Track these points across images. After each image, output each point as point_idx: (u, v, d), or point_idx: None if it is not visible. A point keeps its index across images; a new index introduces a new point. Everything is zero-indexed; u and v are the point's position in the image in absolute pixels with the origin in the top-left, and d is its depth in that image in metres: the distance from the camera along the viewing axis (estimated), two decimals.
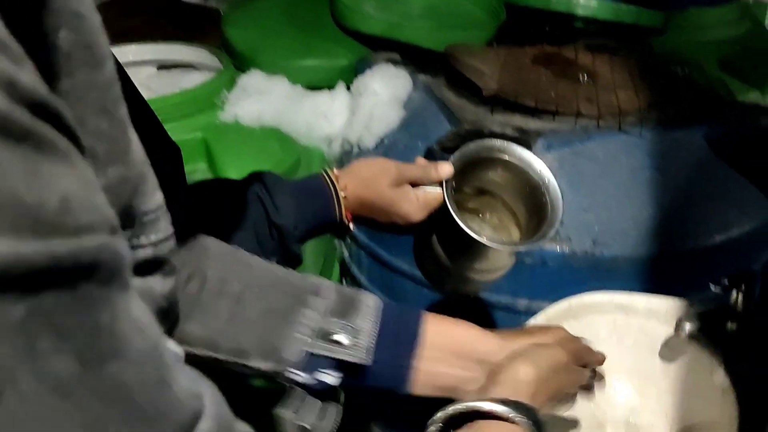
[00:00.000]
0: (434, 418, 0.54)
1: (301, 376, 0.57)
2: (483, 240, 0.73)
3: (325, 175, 0.78)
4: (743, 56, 1.71)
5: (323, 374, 0.58)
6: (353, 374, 0.58)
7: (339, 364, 0.58)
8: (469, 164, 0.81)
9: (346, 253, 1.48)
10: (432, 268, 0.85)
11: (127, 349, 0.24)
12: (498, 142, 0.80)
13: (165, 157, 0.68)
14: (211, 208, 0.71)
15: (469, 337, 0.62)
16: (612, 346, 0.86)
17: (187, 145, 1.31)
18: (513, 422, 0.52)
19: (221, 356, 0.57)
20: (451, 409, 0.54)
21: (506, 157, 0.81)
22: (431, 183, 0.78)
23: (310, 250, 1.44)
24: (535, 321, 0.88)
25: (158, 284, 0.33)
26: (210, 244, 0.62)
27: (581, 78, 1.29)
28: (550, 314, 0.88)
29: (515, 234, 0.85)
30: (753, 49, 1.72)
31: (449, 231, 0.74)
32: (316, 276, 0.62)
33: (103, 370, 0.23)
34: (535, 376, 0.57)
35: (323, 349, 0.57)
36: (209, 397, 0.29)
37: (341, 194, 0.77)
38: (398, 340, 0.59)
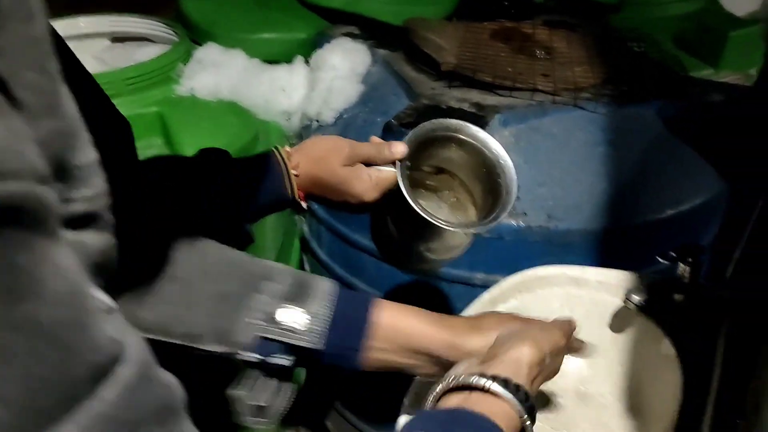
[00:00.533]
0: (434, 391, 0.55)
1: (255, 358, 0.58)
2: (436, 221, 0.73)
3: (276, 152, 0.77)
4: (697, 33, 1.74)
5: (276, 358, 0.59)
6: (306, 357, 0.59)
7: (291, 348, 0.58)
8: (426, 142, 0.80)
9: (306, 229, 1.48)
10: (388, 247, 0.86)
11: (44, 290, 0.25)
12: (453, 121, 0.80)
13: (113, 130, 0.67)
14: (159, 187, 0.70)
15: (420, 332, 0.62)
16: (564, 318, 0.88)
17: (141, 120, 1.29)
18: (508, 403, 0.53)
19: (174, 340, 0.57)
20: (452, 382, 0.54)
21: (462, 137, 0.80)
22: (385, 162, 0.78)
23: (269, 226, 1.44)
24: (489, 294, 0.89)
25: (92, 239, 0.33)
26: (162, 226, 0.62)
27: (538, 53, 1.30)
28: (504, 287, 0.89)
29: (472, 213, 0.85)
30: (707, 25, 1.75)
31: (404, 212, 0.74)
32: (270, 261, 0.63)
33: (17, 306, 0.24)
34: (538, 360, 0.58)
35: (276, 334, 0.57)
36: (134, 346, 0.30)
37: (293, 172, 0.76)
38: (349, 326, 0.60)
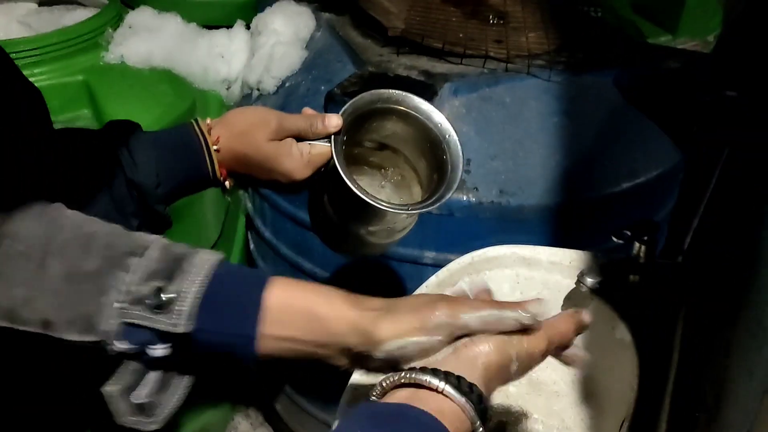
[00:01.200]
0: (381, 385, 0.49)
1: (128, 348, 0.49)
2: (374, 202, 0.66)
3: (194, 125, 0.70)
4: None
5: (153, 347, 0.50)
6: (183, 343, 0.50)
7: (163, 334, 0.49)
8: (365, 115, 0.74)
9: (249, 205, 1.41)
10: (326, 229, 0.79)
11: None
12: (394, 92, 0.73)
13: (18, 101, 0.59)
14: (61, 165, 0.62)
15: (322, 315, 0.51)
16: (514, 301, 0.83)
17: (66, 90, 1.20)
18: (459, 405, 0.47)
19: (25, 328, 0.49)
20: (398, 377, 0.48)
21: (404, 109, 0.74)
22: (318, 136, 0.71)
23: (210, 201, 1.36)
24: (437, 277, 0.84)
25: None
26: (20, 198, 0.52)
27: (491, 18, 1.23)
28: (452, 269, 0.84)
29: (417, 192, 0.79)
30: None
31: (340, 191, 0.67)
32: (146, 234, 0.52)
33: None
34: (498, 364, 0.50)
35: (140, 318, 0.48)
36: None
37: (213, 147, 0.69)
38: (233, 308, 0.51)
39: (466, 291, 0.59)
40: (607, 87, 1.13)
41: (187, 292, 0.48)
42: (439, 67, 1.12)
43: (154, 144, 0.67)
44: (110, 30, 1.28)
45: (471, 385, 0.48)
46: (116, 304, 0.48)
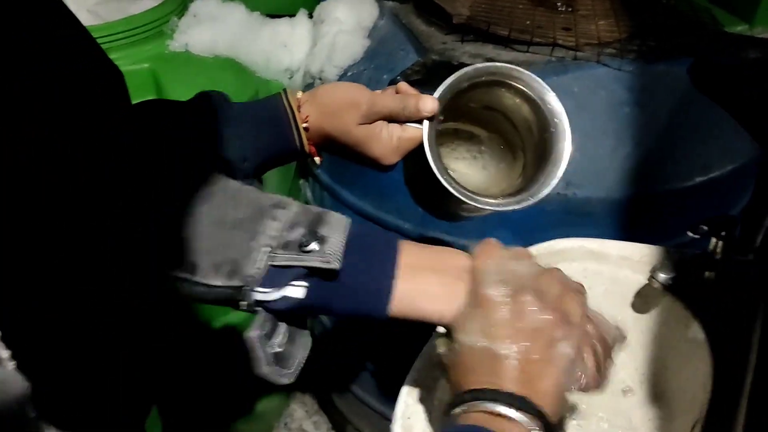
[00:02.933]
0: (452, 412, 0.50)
1: (265, 293, 0.50)
2: (465, 198, 0.64)
3: (283, 98, 0.67)
4: None
5: (289, 287, 0.51)
6: (324, 290, 0.51)
7: (306, 276, 0.51)
8: (466, 89, 0.68)
9: (309, 195, 1.41)
10: (418, 195, 0.76)
11: None
12: (504, 66, 0.67)
13: (102, 81, 0.60)
14: (145, 138, 0.61)
15: (444, 253, 0.56)
16: None
17: (133, 77, 1.21)
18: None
19: (175, 273, 0.50)
20: (467, 406, 0.49)
21: (513, 84, 0.68)
22: (410, 119, 0.66)
23: (271, 190, 1.37)
24: None
25: None
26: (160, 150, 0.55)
27: (559, 6, 1.20)
28: None
29: (518, 166, 0.74)
30: None
31: (430, 176, 0.64)
32: (277, 194, 0.55)
33: None
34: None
35: (287, 260, 0.50)
36: None
37: (302, 125, 0.67)
38: (374, 252, 0.53)
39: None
40: (680, 77, 1.08)
41: (334, 237, 0.50)
42: (505, 55, 1.09)
43: (242, 118, 0.66)
44: (175, 18, 1.30)
45: (537, 411, 0.48)
46: (264, 248, 0.50)
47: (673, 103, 1.06)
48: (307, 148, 0.68)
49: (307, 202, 1.43)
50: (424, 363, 0.70)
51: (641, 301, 0.78)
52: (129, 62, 1.21)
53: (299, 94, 0.69)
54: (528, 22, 1.13)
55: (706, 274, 0.74)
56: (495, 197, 0.69)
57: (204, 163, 0.56)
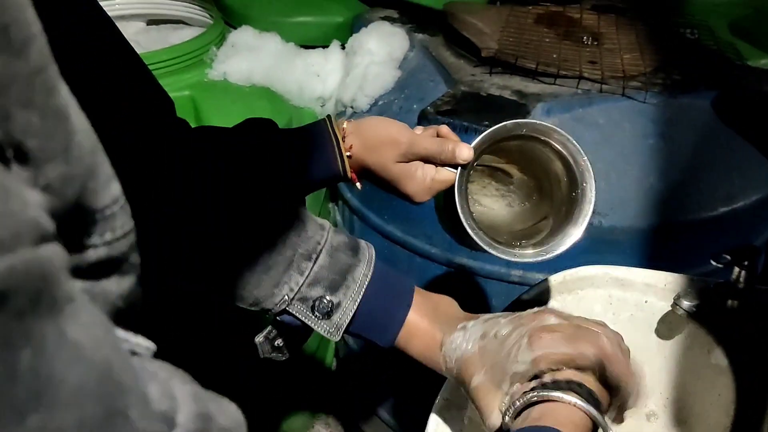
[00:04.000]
0: (514, 406, 0.53)
1: (283, 318, 0.60)
2: (487, 247, 0.66)
3: (328, 124, 0.70)
4: (755, 20, 1.64)
5: (296, 325, 0.60)
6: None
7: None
8: (501, 140, 0.71)
9: (339, 218, 1.45)
10: (446, 227, 0.79)
11: (59, 391, 0.20)
12: (541, 124, 0.69)
13: (155, 109, 0.64)
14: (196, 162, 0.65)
15: (454, 312, 0.63)
16: (607, 321, 0.83)
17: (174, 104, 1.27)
18: (588, 416, 0.51)
19: (222, 298, 0.60)
20: (530, 396, 0.52)
21: (549, 141, 0.70)
22: (445, 164, 0.69)
23: None
24: (528, 295, 0.84)
25: (114, 286, 0.29)
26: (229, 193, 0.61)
27: (585, 40, 1.24)
28: (543, 288, 0.84)
29: (544, 209, 0.76)
30: (765, 12, 1.65)
31: (456, 220, 0.67)
32: (315, 225, 0.60)
33: (23, 427, 0.19)
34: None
35: (299, 313, 0.59)
36: (183, 400, 0.26)
37: (345, 154, 0.70)
38: (380, 320, 0.61)
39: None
40: (704, 109, 1.11)
41: (347, 307, 0.59)
42: (532, 87, 1.13)
43: (290, 143, 0.69)
44: (214, 48, 1.35)
45: (589, 391, 0.51)
46: (285, 297, 0.58)
47: (697, 135, 1.09)
48: (350, 174, 0.71)
49: (336, 226, 1.47)
50: (454, 383, 0.73)
51: (665, 328, 0.80)
52: (170, 89, 1.23)
53: (345, 124, 0.72)
54: (554, 56, 1.17)
55: (729, 302, 0.76)
56: (516, 237, 0.72)
57: (258, 193, 0.61)
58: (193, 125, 1.29)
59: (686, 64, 1.20)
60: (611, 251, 1.03)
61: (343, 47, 1.43)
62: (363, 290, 0.59)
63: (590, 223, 0.95)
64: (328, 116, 0.72)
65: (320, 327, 0.59)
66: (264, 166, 0.68)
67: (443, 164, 0.69)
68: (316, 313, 0.58)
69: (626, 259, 1.03)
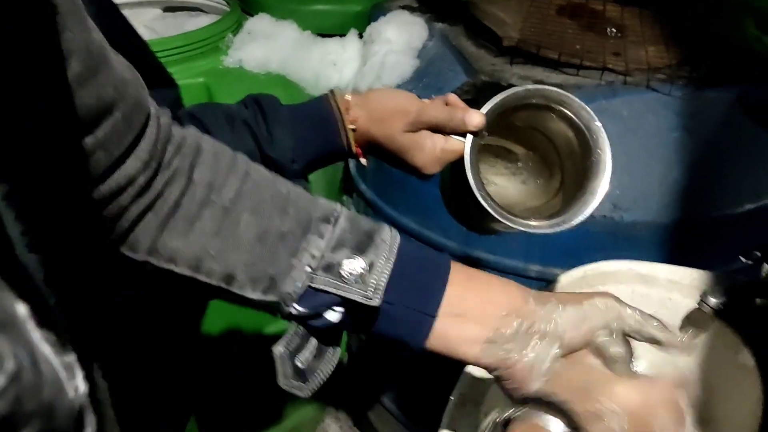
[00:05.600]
0: (495, 420, 0.50)
1: (300, 311, 0.49)
2: (500, 217, 0.64)
3: (332, 99, 0.68)
4: None
5: (325, 313, 0.49)
6: (362, 315, 0.49)
7: (344, 302, 0.49)
8: (514, 109, 0.69)
9: (353, 209, 1.43)
10: (452, 207, 0.77)
11: None
12: (554, 90, 0.67)
13: (161, 92, 0.62)
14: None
15: (500, 290, 0.51)
16: None
17: (188, 90, 1.24)
18: None
19: (205, 279, 0.48)
20: (519, 413, 0.49)
21: (561, 109, 0.68)
22: (455, 132, 0.66)
23: None
24: (547, 290, 0.82)
25: None
26: (203, 143, 0.51)
27: (608, 31, 1.21)
28: (563, 283, 0.82)
29: (555, 184, 0.73)
30: None
31: (467, 192, 0.65)
32: (331, 201, 0.52)
33: None
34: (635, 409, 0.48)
35: (327, 284, 0.48)
36: None
37: (350, 126, 0.67)
38: (419, 284, 0.50)
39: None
40: (730, 104, 1.08)
41: (381, 266, 0.48)
42: (554, 77, 1.10)
43: (292, 119, 0.67)
44: (230, 35, 1.33)
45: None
46: (307, 268, 0.48)
47: (723, 130, 1.06)
48: (354, 149, 0.69)
49: None
50: (470, 376, 0.71)
51: (691, 326, 0.77)
52: (184, 76, 1.25)
53: (348, 96, 0.69)
54: (578, 47, 1.14)
55: (758, 300, 0.74)
56: (531, 214, 0.70)
57: (255, 165, 0.54)
58: None
59: (712, 58, 1.17)
60: (633, 247, 1.00)
61: (360, 36, 1.41)
62: (396, 249, 0.49)
63: (609, 216, 0.92)
64: (332, 90, 0.69)
65: (354, 293, 0.47)
66: (264, 142, 0.65)
67: (453, 133, 0.66)
68: (347, 278, 0.47)
69: (648, 255, 1.00)
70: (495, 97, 0.66)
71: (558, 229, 0.67)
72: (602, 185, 0.67)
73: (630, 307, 0.53)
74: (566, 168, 0.72)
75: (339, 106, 0.67)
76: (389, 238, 0.50)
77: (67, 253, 0.34)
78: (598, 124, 0.68)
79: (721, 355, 0.75)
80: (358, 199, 1.38)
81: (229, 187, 0.49)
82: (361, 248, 0.48)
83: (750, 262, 0.73)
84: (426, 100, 0.70)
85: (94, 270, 0.40)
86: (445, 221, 1.16)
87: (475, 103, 1.05)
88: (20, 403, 0.20)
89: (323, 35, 1.42)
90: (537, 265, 1.08)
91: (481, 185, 0.65)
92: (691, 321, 0.78)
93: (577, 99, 0.68)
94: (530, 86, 0.68)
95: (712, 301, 0.73)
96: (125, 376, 0.61)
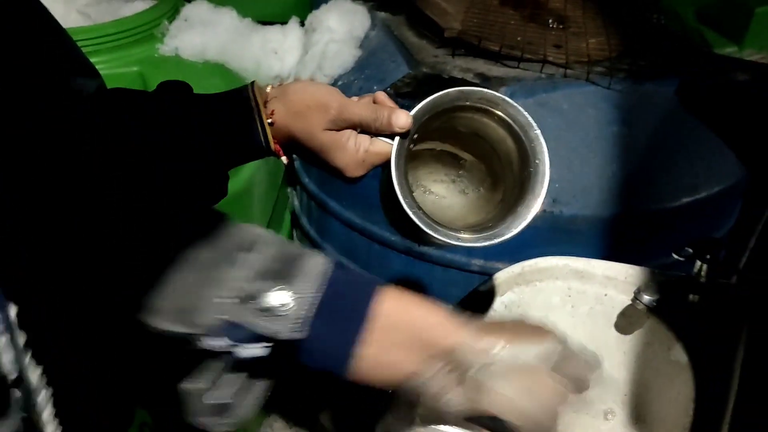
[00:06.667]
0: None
1: (221, 346, 0.45)
2: (429, 231, 0.59)
3: (250, 91, 0.62)
4: (722, 7, 1.62)
5: (248, 347, 0.46)
6: (285, 347, 0.46)
7: (267, 336, 0.46)
8: (445, 111, 0.64)
9: (296, 203, 1.40)
10: (389, 215, 0.73)
11: None
12: (489, 92, 0.63)
13: (83, 89, 0.58)
14: (105, 129, 0.54)
15: (432, 325, 0.48)
16: (565, 315, 0.80)
17: (122, 80, 1.20)
18: None
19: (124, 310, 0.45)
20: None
21: (497, 113, 0.63)
22: (381, 133, 0.62)
23: (258, 197, 1.36)
24: (486, 286, 0.81)
25: None
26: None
27: (551, 23, 1.20)
28: (501, 279, 0.82)
29: (497, 195, 0.69)
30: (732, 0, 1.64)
31: (396, 202, 0.60)
32: (257, 227, 0.48)
33: None
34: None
35: (248, 318, 0.44)
36: None
37: (266, 121, 0.62)
38: (344, 314, 0.47)
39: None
40: (669, 97, 1.09)
41: (303, 295, 0.45)
42: (496, 70, 1.09)
43: (205, 111, 0.61)
44: (166, 22, 1.28)
45: None
46: (222, 300, 0.44)
47: (661, 123, 1.07)
48: (272, 145, 0.63)
49: (294, 211, 1.42)
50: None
51: (625, 322, 0.78)
52: (118, 65, 1.20)
53: (268, 89, 0.63)
54: (519, 38, 1.13)
55: (691, 296, 0.74)
56: (468, 226, 0.67)
57: (188, 186, 0.51)
58: None
59: (652, 51, 1.18)
60: (571, 242, 1.00)
61: (302, 24, 1.37)
62: (322, 278, 0.46)
63: (548, 211, 0.91)
64: (252, 82, 0.64)
65: (279, 325, 0.45)
66: (177, 138, 0.61)
67: (378, 134, 0.62)
68: (266, 312, 0.44)
69: (587, 249, 1.01)
70: (425, 99, 0.62)
71: (488, 243, 0.63)
72: (538, 198, 0.64)
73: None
74: (506, 178, 0.69)
75: (257, 98, 0.62)
76: (316, 266, 0.47)
77: None
78: (537, 131, 0.63)
79: (655, 352, 0.76)
80: (301, 191, 1.35)
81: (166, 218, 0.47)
82: (284, 278, 0.45)
83: (682, 258, 0.73)
84: (354, 98, 0.65)
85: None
86: None
87: (416, 95, 1.04)
88: None
89: (264, 23, 1.38)
90: (480, 260, 1.07)
91: (407, 192, 0.61)
92: (627, 317, 0.79)
93: (513, 103, 0.63)
94: (464, 87, 0.63)
95: (646, 297, 0.74)
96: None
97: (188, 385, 0.46)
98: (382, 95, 0.64)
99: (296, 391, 1.61)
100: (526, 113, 0.63)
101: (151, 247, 0.46)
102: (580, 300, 0.80)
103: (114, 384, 0.67)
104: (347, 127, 0.62)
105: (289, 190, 1.46)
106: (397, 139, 0.60)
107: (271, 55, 1.32)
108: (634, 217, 1.01)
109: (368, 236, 1.17)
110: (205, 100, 0.63)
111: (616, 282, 0.79)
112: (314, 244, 1.30)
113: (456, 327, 0.48)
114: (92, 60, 0.57)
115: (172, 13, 1.31)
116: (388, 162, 0.61)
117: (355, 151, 0.62)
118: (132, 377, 0.66)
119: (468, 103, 0.62)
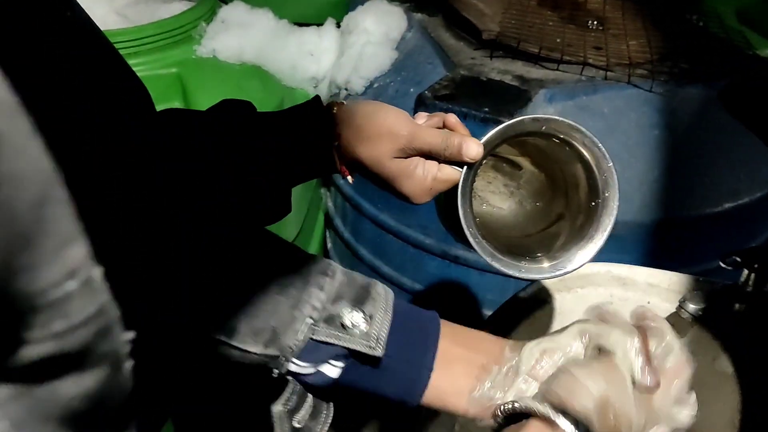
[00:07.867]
0: (498, 411, 0.48)
1: (300, 366, 0.48)
2: (494, 263, 0.58)
3: (317, 112, 0.62)
4: (763, 7, 1.59)
5: (326, 365, 0.49)
6: (361, 370, 0.49)
7: (345, 356, 0.49)
8: (512, 138, 0.62)
9: (330, 205, 1.40)
10: (448, 226, 0.72)
11: None
12: (565, 122, 0.60)
13: (129, 100, 0.58)
14: (167, 151, 0.57)
15: (486, 348, 0.51)
16: None
17: (160, 82, 1.22)
18: None
19: (211, 334, 0.47)
20: (517, 405, 0.47)
21: (572, 142, 0.61)
22: (450, 161, 0.59)
23: (293, 198, 1.36)
24: (525, 292, 0.80)
25: (70, 387, 0.23)
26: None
27: (590, 24, 1.19)
28: (541, 285, 0.81)
29: (557, 207, 0.68)
30: None
31: (458, 224, 0.59)
32: (322, 257, 0.52)
33: None
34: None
35: (329, 335, 0.47)
36: None
37: (334, 143, 0.61)
38: (415, 336, 0.50)
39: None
40: (712, 100, 1.07)
41: (380, 318, 0.49)
42: (534, 72, 1.08)
43: (270, 130, 0.61)
44: (204, 24, 1.29)
45: (578, 422, 0.45)
46: (308, 320, 0.47)
47: (704, 127, 1.05)
48: (338, 167, 0.63)
49: (327, 212, 1.42)
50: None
51: None
52: (156, 66, 1.21)
53: (335, 109, 0.62)
54: (558, 40, 1.12)
55: (737, 306, 0.73)
56: (524, 243, 0.66)
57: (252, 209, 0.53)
58: (180, 104, 1.25)
59: (694, 53, 1.16)
60: (612, 248, 0.98)
61: (338, 26, 1.37)
62: (391, 303, 0.50)
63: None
64: (317, 97, 0.64)
65: (357, 343, 0.47)
66: (241, 161, 0.61)
67: (447, 161, 0.60)
68: (349, 329, 0.48)
69: (628, 254, 0.99)
70: (499, 126, 0.59)
71: (547, 276, 0.63)
72: (604, 233, 0.63)
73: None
74: (570, 198, 0.66)
75: (324, 119, 0.61)
76: (384, 292, 0.50)
77: None
78: (611, 164, 0.62)
79: (699, 362, 0.74)
80: (336, 193, 1.36)
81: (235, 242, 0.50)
82: (359, 300, 0.49)
83: (729, 267, 0.72)
84: (421, 118, 0.63)
85: None
86: (424, 218, 1.14)
87: (454, 98, 1.03)
88: None
89: (300, 24, 1.39)
90: None
91: (473, 222, 0.59)
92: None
93: (589, 133, 0.61)
94: (539, 116, 0.61)
95: (691, 306, 0.72)
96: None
97: (280, 407, 0.49)
98: (453, 118, 0.62)
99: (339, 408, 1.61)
100: (600, 145, 0.61)
101: (236, 272, 0.49)
102: (622, 308, 0.78)
103: (153, 398, 0.68)
104: (416, 155, 0.60)
105: (322, 191, 1.46)
106: (464, 170, 0.59)
107: (307, 56, 1.33)
108: (675, 222, 0.99)
109: (403, 239, 1.17)
110: (270, 121, 0.62)
111: (659, 289, 0.77)
112: (348, 246, 1.30)
113: (496, 342, 0.51)
114: (130, 62, 0.57)
115: (210, 15, 1.32)
116: (454, 188, 0.60)
117: (423, 179, 0.60)
118: (170, 392, 0.67)
119: (542, 129, 0.60)
